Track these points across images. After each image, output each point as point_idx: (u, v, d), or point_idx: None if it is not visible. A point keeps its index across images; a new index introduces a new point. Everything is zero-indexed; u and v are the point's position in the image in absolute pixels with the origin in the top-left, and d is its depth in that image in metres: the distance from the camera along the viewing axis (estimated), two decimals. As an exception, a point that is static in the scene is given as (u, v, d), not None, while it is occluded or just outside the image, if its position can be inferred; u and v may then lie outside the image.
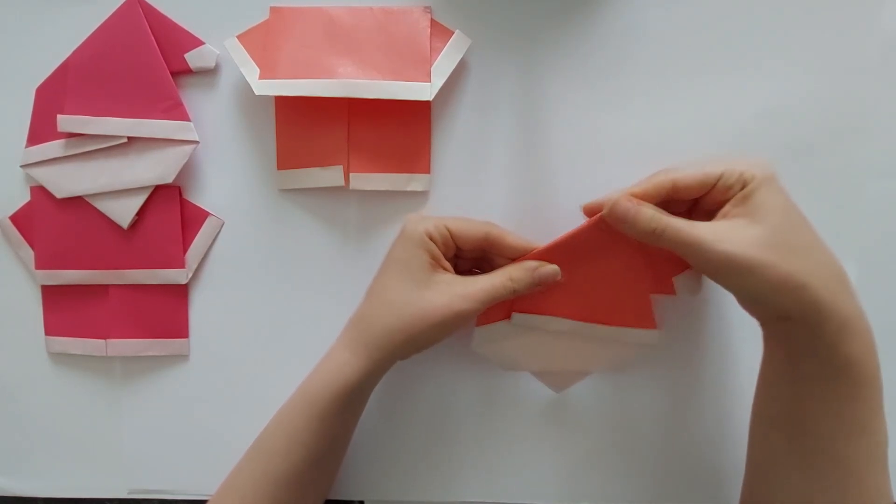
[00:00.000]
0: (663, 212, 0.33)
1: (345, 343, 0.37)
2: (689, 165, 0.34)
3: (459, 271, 0.38)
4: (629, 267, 0.37)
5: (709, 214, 0.33)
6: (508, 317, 0.39)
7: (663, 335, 0.39)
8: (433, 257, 0.36)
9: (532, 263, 0.37)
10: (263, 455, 0.36)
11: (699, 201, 0.34)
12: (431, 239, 0.36)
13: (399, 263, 0.36)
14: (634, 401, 0.42)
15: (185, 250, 0.42)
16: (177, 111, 0.40)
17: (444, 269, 0.37)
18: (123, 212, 0.41)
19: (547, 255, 0.37)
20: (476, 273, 0.38)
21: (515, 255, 0.37)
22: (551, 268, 0.36)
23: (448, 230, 0.36)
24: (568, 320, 0.39)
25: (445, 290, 0.35)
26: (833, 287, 0.30)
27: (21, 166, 0.42)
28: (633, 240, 0.35)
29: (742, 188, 0.32)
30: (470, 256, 0.38)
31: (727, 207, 0.32)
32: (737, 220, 0.32)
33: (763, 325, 0.34)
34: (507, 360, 0.41)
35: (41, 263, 0.42)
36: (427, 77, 0.39)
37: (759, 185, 0.32)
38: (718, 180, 0.33)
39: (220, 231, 0.42)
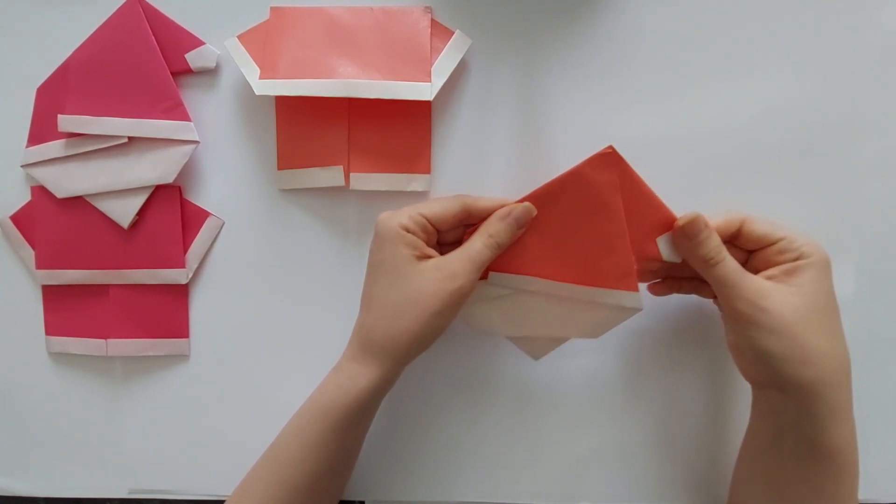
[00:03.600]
0: (724, 247, 0.34)
1: (352, 355, 0.36)
2: (760, 219, 0.36)
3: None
4: (611, 226, 0.36)
5: (754, 270, 0.35)
6: (485, 277, 0.38)
7: (641, 297, 0.37)
8: (415, 248, 0.35)
9: (503, 211, 0.36)
10: (277, 465, 0.36)
11: (752, 255, 0.36)
12: (409, 231, 0.35)
13: (381, 265, 0.35)
14: (634, 401, 0.42)
15: (185, 250, 0.42)
16: (177, 111, 0.40)
17: (429, 256, 0.35)
18: (124, 212, 0.41)
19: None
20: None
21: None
22: (523, 206, 0.36)
23: (423, 216, 0.35)
24: (546, 280, 0.37)
25: (432, 276, 0.34)
26: (835, 374, 0.32)
27: (21, 166, 0.42)
28: (617, 198, 0.35)
29: (795, 259, 0.34)
30: (452, 240, 0.38)
31: (775, 271, 0.34)
32: (781, 285, 0.33)
33: (756, 390, 0.36)
34: (484, 323, 0.39)
35: (41, 263, 0.42)
36: (427, 77, 0.39)
37: (812, 264, 0.33)
38: (780, 241, 0.34)
39: (220, 231, 0.42)
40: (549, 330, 0.39)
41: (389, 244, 0.35)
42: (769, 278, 0.34)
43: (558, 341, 0.39)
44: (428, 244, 0.36)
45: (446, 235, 0.37)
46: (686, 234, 0.34)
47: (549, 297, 0.37)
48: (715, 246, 0.34)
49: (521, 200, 0.36)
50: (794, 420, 0.33)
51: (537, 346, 0.40)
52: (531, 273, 0.37)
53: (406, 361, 0.36)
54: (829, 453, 0.33)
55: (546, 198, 0.36)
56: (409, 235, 0.35)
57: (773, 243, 0.34)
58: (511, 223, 0.36)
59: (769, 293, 0.33)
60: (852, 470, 0.33)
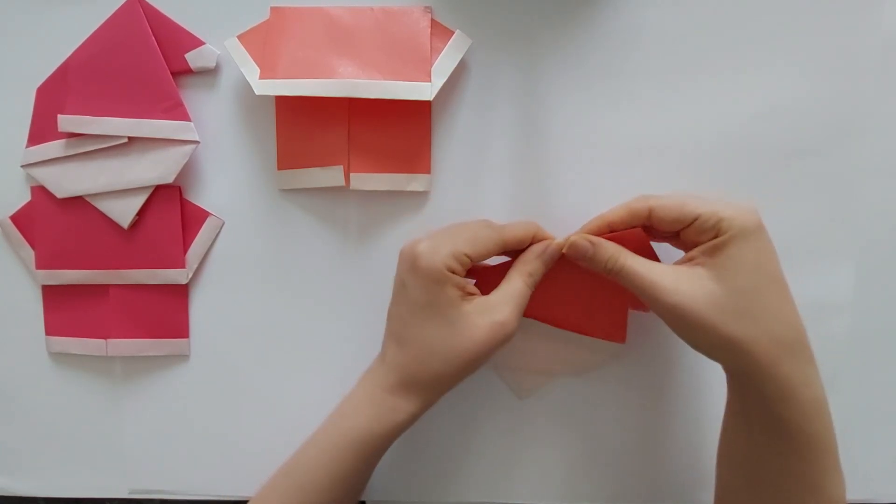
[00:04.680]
0: (623, 251, 0.33)
1: (388, 390, 0.35)
2: (672, 197, 0.33)
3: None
4: (613, 286, 0.37)
5: (688, 247, 0.33)
6: None
7: (627, 348, 0.40)
8: (459, 288, 0.34)
9: (539, 247, 0.36)
10: (302, 489, 0.35)
11: (679, 233, 0.33)
12: (453, 272, 0.34)
13: (427, 308, 0.34)
14: (635, 401, 0.42)
15: (185, 250, 0.42)
16: (177, 111, 0.40)
17: (471, 293, 0.35)
18: (124, 212, 0.41)
19: None
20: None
21: (528, 245, 0.37)
22: (557, 244, 0.36)
23: (468, 256, 0.34)
24: (544, 325, 0.39)
25: (482, 323, 0.34)
26: (778, 354, 0.30)
27: (21, 166, 0.42)
28: None
29: (715, 236, 0.31)
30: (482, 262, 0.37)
31: (695, 252, 0.32)
32: (698, 269, 0.31)
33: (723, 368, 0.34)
34: None
35: (41, 263, 0.42)
36: (427, 77, 0.39)
37: (732, 238, 0.30)
38: (694, 221, 0.32)
39: (220, 231, 0.42)
40: (537, 364, 0.41)
41: (436, 287, 0.33)
42: (689, 261, 0.32)
43: (545, 376, 0.41)
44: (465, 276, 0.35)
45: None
46: (575, 257, 0.35)
47: (544, 338, 0.39)
48: (608, 258, 0.33)
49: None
50: (752, 400, 0.32)
51: (525, 382, 0.42)
52: (533, 316, 0.38)
53: (447, 391, 0.36)
54: (788, 432, 0.31)
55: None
56: (453, 277, 0.34)
57: (689, 224, 0.32)
58: (547, 260, 0.36)
59: (680, 286, 0.31)
60: (820, 448, 0.31)
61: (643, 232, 0.35)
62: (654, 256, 0.35)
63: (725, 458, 0.36)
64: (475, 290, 0.36)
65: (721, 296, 0.30)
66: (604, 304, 0.38)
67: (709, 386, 0.42)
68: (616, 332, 0.39)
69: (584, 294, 0.38)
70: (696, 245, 0.32)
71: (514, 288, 0.35)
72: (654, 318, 0.40)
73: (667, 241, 0.37)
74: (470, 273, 0.38)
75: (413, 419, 0.35)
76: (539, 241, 0.36)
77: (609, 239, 0.35)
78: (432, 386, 0.35)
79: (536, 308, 0.38)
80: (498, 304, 0.34)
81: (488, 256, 0.36)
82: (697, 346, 0.32)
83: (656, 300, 0.32)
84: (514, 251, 0.37)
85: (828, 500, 0.31)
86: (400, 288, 0.36)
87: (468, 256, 0.34)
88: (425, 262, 0.33)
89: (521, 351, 0.40)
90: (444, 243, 0.34)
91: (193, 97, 0.41)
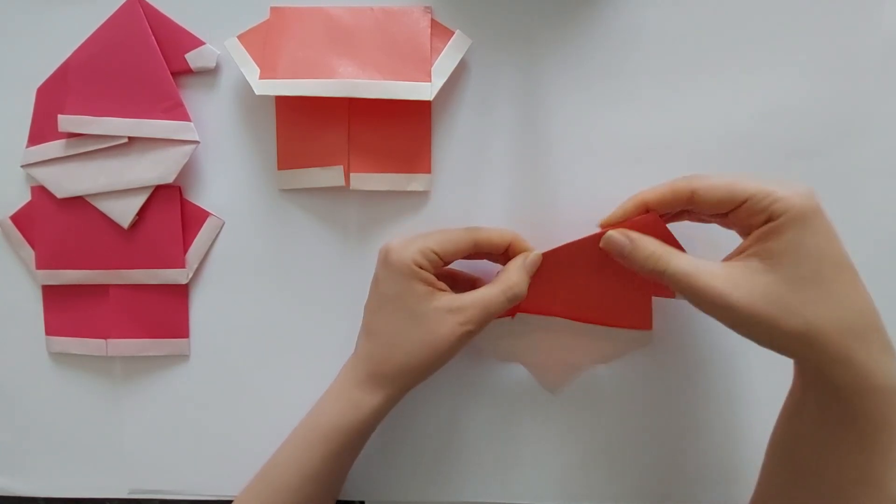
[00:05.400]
0: (666, 250, 0.32)
1: (356, 383, 0.36)
2: (718, 176, 0.31)
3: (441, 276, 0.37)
4: (633, 276, 0.36)
5: (737, 227, 0.32)
6: (511, 315, 0.40)
7: (654, 334, 0.40)
8: (427, 283, 0.35)
9: (519, 260, 0.36)
10: (276, 489, 0.35)
11: (727, 216, 0.32)
12: (422, 267, 0.35)
13: (395, 300, 0.35)
14: (635, 400, 0.42)
15: (185, 250, 0.42)
16: (177, 111, 0.40)
17: (440, 289, 0.36)
18: (124, 212, 0.41)
19: (553, 257, 0.37)
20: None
21: (503, 250, 0.37)
22: (536, 255, 0.37)
23: (435, 253, 0.35)
24: (569, 321, 0.39)
25: (448, 318, 0.34)
26: (848, 343, 0.28)
27: (22, 166, 0.42)
28: None
29: (768, 220, 0.29)
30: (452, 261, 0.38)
31: (747, 242, 0.30)
32: (752, 262, 0.29)
33: None
34: (504, 352, 0.41)
35: (42, 263, 0.42)
36: (427, 77, 0.39)
37: (788, 223, 0.29)
38: (744, 202, 0.30)
39: (220, 231, 0.42)
40: (565, 358, 0.41)
41: (404, 280, 0.35)
42: (740, 253, 0.30)
43: (574, 370, 0.41)
44: (436, 275, 0.36)
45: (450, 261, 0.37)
46: (611, 252, 0.34)
47: (571, 334, 0.40)
48: (646, 257, 0.32)
49: (554, 250, 0.37)
50: (816, 388, 0.30)
51: (555, 377, 0.42)
52: (557, 314, 0.39)
53: (410, 388, 0.36)
54: (857, 422, 0.29)
55: (576, 247, 0.37)
56: (420, 271, 0.35)
57: (738, 205, 0.30)
58: (527, 271, 0.36)
59: (733, 287, 0.29)
60: (887, 440, 0.28)
61: (658, 217, 0.34)
62: (674, 242, 0.34)
63: (778, 448, 0.34)
64: (444, 286, 0.36)
65: (780, 288, 0.28)
66: (628, 295, 0.38)
67: (714, 383, 0.42)
68: (641, 320, 0.39)
69: (605, 287, 0.38)
70: (746, 226, 0.31)
71: (489, 293, 0.35)
72: (667, 317, 0.41)
73: (713, 222, 0.35)
74: (462, 283, 0.39)
75: (378, 414, 0.36)
76: (516, 248, 0.37)
77: (622, 227, 0.34)
78: (396, 379, 0.35)
79: (560, 306, 0.39)
80: (466, 305, 0.35)
81: (458, 255, 0.36)
82: (760, 343, 0.30)
83: (709, 304, 0.30)
84: (500, 257, 0.38)
85: (887, 497, 0.29)
86: (374, 283, 0.37)
87: (436, 253, 0.35)
88: (394, 255, 0.35)
89: (548, 347, 0.41)
90: (415, 241, 0.36)
91: (193, 97, 0.41)
